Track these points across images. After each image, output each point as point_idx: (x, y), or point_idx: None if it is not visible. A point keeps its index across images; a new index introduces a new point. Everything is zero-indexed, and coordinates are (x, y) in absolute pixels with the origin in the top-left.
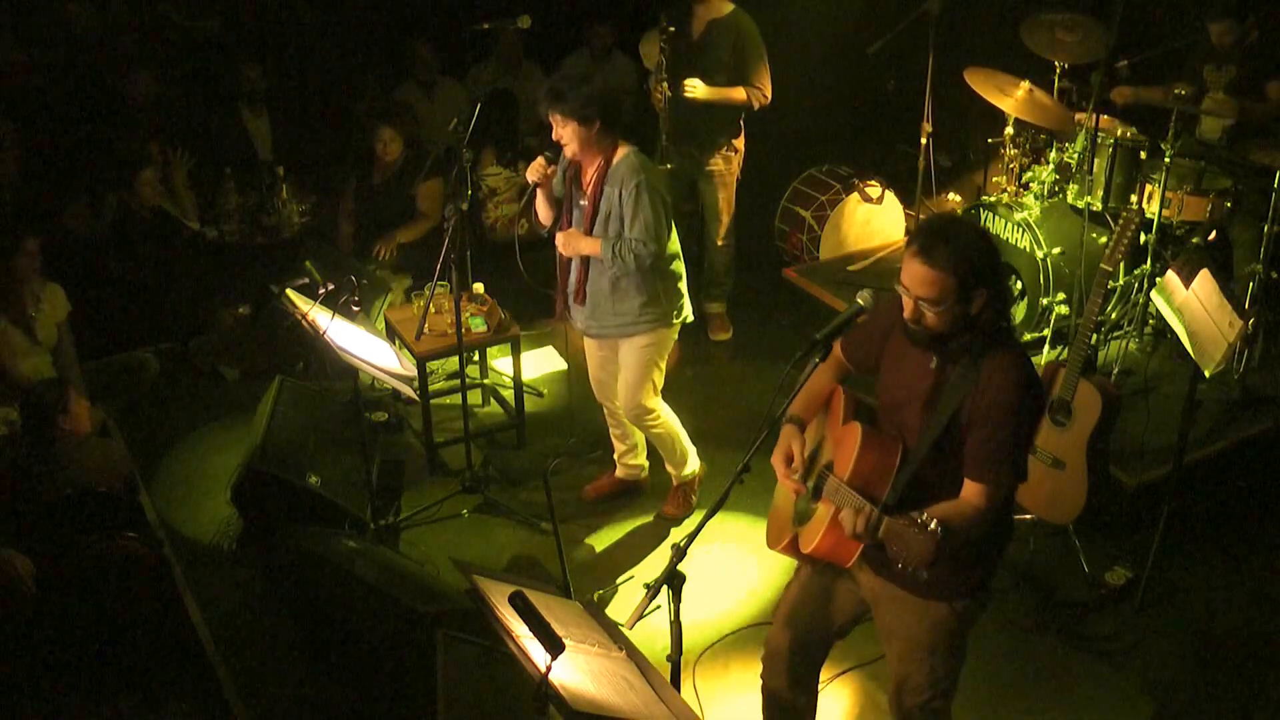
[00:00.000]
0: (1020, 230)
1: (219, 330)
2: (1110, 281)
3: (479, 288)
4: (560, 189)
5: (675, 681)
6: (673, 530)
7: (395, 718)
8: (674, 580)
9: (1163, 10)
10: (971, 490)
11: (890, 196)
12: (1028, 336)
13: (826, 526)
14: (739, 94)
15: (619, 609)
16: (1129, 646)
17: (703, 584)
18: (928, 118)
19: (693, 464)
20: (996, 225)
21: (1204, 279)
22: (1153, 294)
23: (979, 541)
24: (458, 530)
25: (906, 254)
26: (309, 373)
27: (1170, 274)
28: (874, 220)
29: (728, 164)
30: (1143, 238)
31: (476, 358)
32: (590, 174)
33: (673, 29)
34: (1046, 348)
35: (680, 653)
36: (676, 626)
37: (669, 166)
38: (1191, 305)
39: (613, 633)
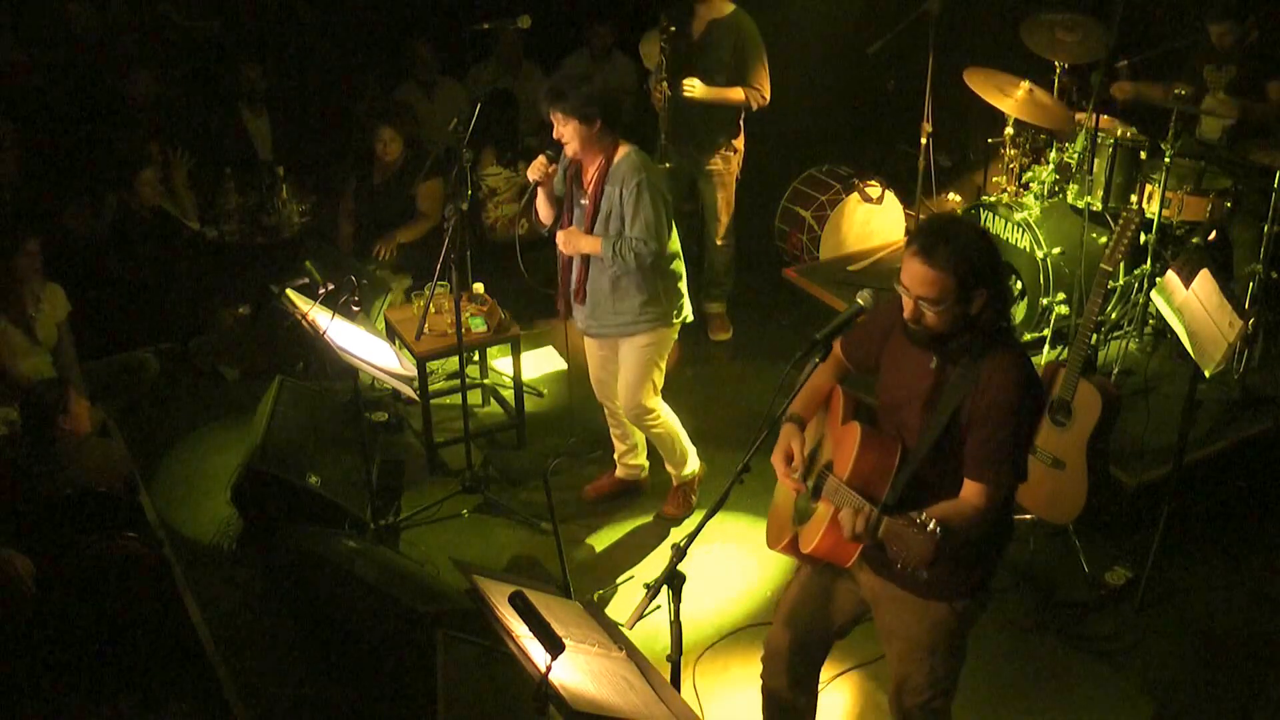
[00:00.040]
0: (1020, 230)
1: (219, 330)
2: (1110, 281)
3: (479, 288)
4: (561, 188)
5: (675, 681)
6: (673, 530)
7: (395, 718)
8: (674, 580)
9: (1163, 10)
10: (971, 490)
11: (890, 196)
12: (1028, 336)
13: (826, 526)
14: (737, 94)
15: (619, 609)
16: (1129, 646)
17: (703, 584)
18: (928, 118)
19: (693, 464)
20: (996, 225)
21: (1204, 279)
22: (1153, 294)
23: (979, 541)
24: (458, 530)
25: (906, 254)
26: (309, 373)
27: (1170, 274)
28: (874, 220)
29: (727, 164)
30: (1143, 238)
31: (476, 358)
32: (591, 173)
33: (673, 29)
34: (1046, 348)
35: (680, 653)
36: (676, 626)
37: (667, 166)
38: (1191, 305)
39: (613, 633)
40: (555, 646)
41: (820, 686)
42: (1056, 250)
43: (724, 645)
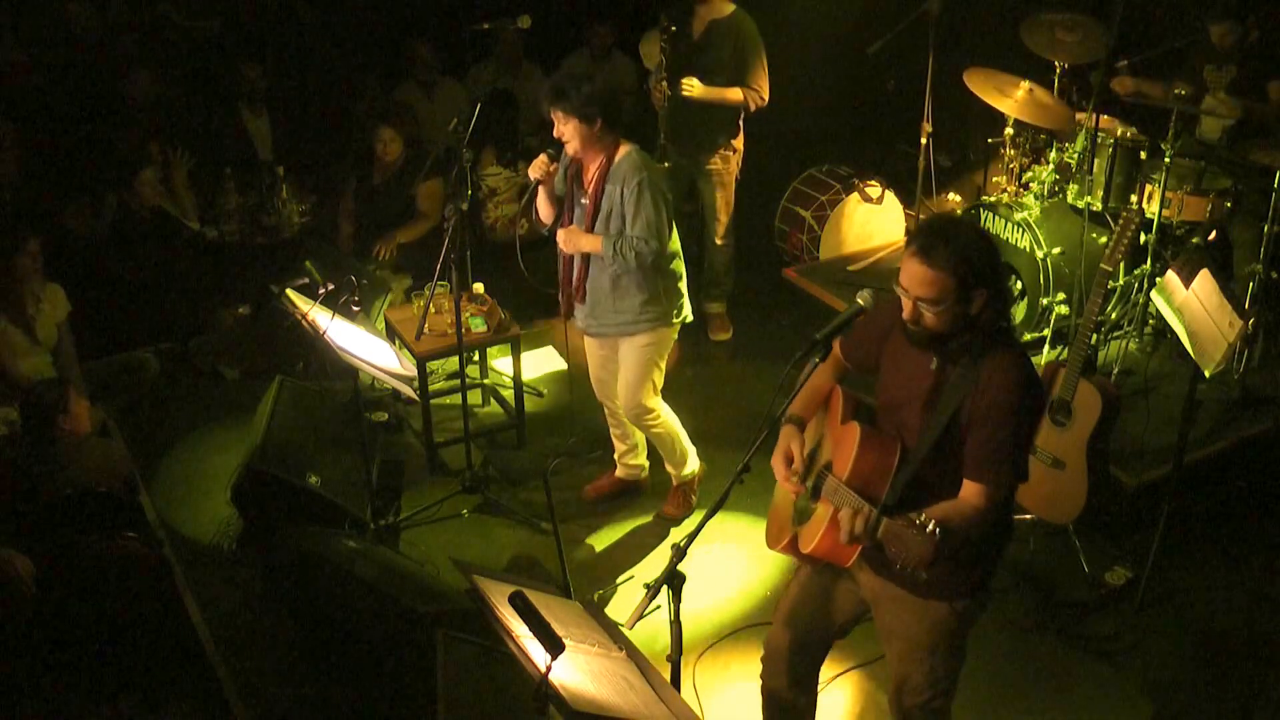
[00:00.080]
0: (1020, 230)
1: (219, 330)
2: (1110, 281)
3: (479, 288)
4: (562, 187)
5: (675, 681)
6: (673, 530)
7: (395, 718)
8: (674, 580)
9: (1163, 10)
10: (971, 490)
11: (890, 196)
12: (1028, 336)
13: (825, 527)
14: (735, 95)
15: (619, 609)
16: (1129, 646)
17: (703, 584)
18: (928, 118)
19: (692, 464)
20: (996, 225)
21: (1204, 279)
22: (1153, 294)
23: (979, 541)
24: (458, 530)
25: (905, 254)
26: (309, 373)
27: (1170, 274)
28: (874, 220)
29: (726, 163)
30: (1143, 238)
31: (476, 358)
32: (592, 172)
33: (673, 29)
34: (1046, 348)
35: (680, 653)
36: (676, 626)
37: (666, 165)
38: (1191, 305)
39: (613, 633)
40: (555, 646)
41: (820, 686)
42: (1056, 250)
43: (724, 645)
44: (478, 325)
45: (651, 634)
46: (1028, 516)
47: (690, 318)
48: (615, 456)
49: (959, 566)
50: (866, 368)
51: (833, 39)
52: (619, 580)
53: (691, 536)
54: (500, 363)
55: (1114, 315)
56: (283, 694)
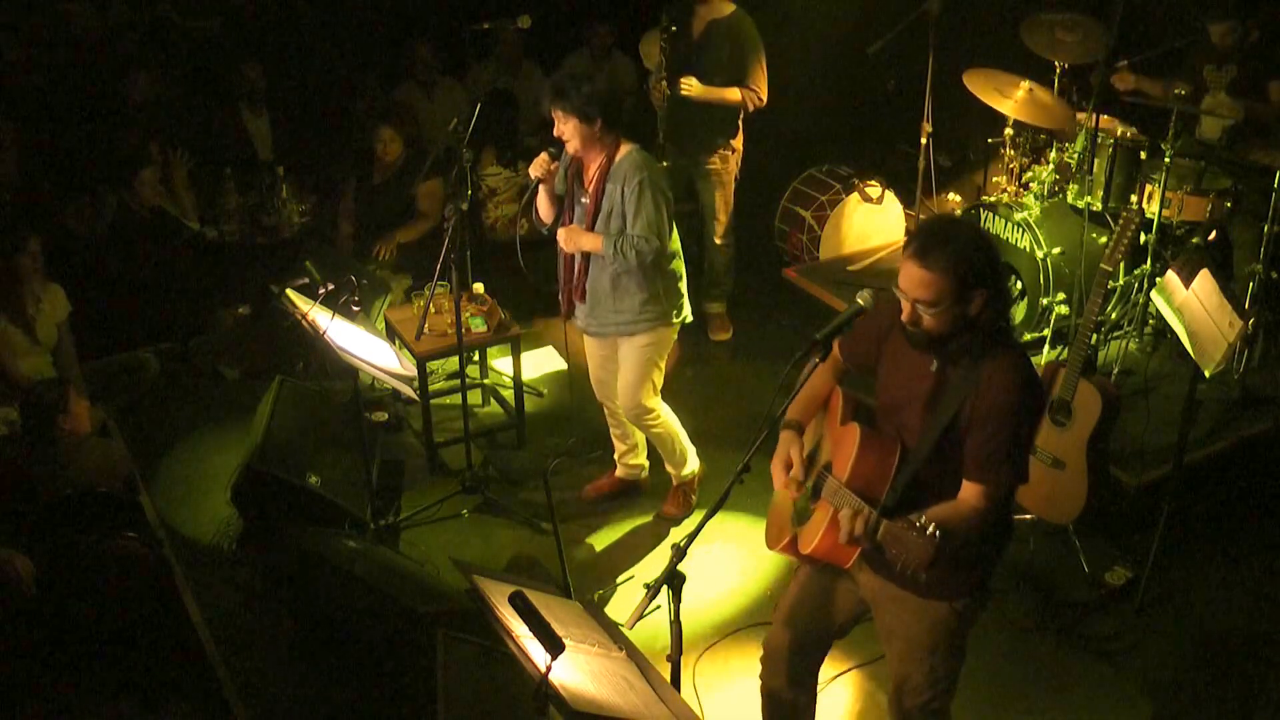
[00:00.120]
0: (1020, 230)
1: (219, 330)
2: (1110, 281)
3: (479, 288)
4: (562, 186)
5: (675, 681)
6: (673, 530)
7: (395, 718)
8: (674, 580)
9: (1163, 10)
10: (971, 491)
11: (890, 196)
12: (1028, 336)
13: (825, 528)
14: (734, 95)
15: (619, 609)
16: (1129, 646)
17: (703, 584)
18: (928, 118)
19: (692, 464)
20: (996, 225)
21: (1204, 279)
22: (1153, 294)
23: (979, 541)
24: (458, 530)
25: (903, 257)
26: (309, 373)
27: (1170, 274)
28: (874, 220)
29: (725, 163)
30: (1143, 238)
31: (476, 358)
32: (592, 171)
33: (674, 29)
34: (1046, 348)
35: (680, 653)
36: (676, 626)
37: (665, 164)
38: (1191, 305)
39: (613, 633)
40: (555, 646)
41: (820, 686)
42: (1056, 250)
43: (723, 645)
44: (478, 325)
45: (651, 634)
46: (1028, 516)
47: (690, 318)
48: (615, 456)
49: (959, 566)
50: (866, 368)
51: (833, 39)
52: (619, 580)
53: (691, 536)
54: (500, 363)
55: (1114, 315)
56: (283, 694)
